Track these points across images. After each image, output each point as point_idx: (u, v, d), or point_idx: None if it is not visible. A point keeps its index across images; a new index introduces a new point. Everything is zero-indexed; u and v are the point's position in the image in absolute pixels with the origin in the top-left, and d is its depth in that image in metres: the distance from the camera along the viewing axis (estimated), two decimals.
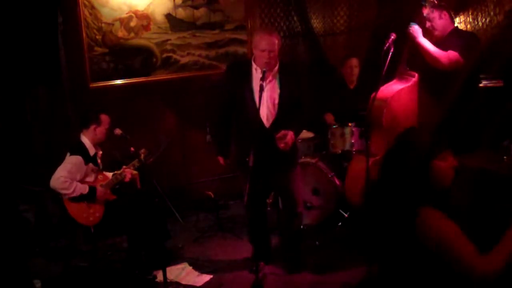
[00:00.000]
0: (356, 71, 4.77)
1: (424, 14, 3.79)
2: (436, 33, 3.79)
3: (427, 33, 3.85)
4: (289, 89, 3.48)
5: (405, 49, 3.95)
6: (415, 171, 2.04)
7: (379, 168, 2.17)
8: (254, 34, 3.69)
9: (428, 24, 3.80)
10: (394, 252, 2.13)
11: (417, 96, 3.97)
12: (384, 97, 3.88)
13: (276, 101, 3.48)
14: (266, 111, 3.47)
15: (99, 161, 3.93)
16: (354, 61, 4.77)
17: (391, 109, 3.88)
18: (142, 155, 3.95)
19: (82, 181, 3.75)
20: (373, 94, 3.73)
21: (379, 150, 3.88)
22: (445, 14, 3.78)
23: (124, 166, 3.97)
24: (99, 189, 3.79)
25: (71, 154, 3.73)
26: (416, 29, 3.72)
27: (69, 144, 3.89)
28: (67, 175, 3.63)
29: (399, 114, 3.91)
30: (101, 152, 3.97)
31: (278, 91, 3.48)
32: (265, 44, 3.36)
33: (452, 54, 3.65)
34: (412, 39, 3.74)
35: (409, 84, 3.94)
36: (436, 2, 3.76)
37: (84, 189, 3.70)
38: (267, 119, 3.49)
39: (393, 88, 3.96)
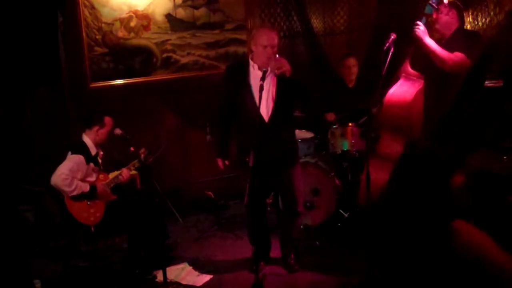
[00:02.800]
0: (354, 70, 4.76)
1: (434, 17, 3.76)
2: (437, 26, 3.75)
3: (431, 32, 3.83)
4: (287, 84, 3.49)
5: (409, 49, 3.94)
6: (440, 185, 2.00)
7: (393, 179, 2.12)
8: (253, 31, 3.69)
9: (434, 15, 3.76)
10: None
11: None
12: (403, 101, 3.86)
13: (274, 95, 3.49)
14: (265, 105, 3.48)
15: (100, 161, 3.93)
16: (352, 61, 4.75)
17: (413, 112, 3.88)
18: (142, 155, 3.96)
19: (83, 180, 3.75)
20: (381, 96, 3.72)
21: (398, 153, 3.88)
22: (453, 13, 3.73)
23: (123, 168, 3.98)
24: (100, 186, 3.80)
25: (72, 153, 3.74)
26: (422, 30, 3.69)
27: (71, 143, 3.90)
28: (68, 173, 3.63)
29: (419, 116, 3.91)
30: (102, 153, 3.97)
31: (275, 84, 3.49)
32: (267, 40, 3.38)
33: (458, 56, 3.63)
34: (418, 40, 3.71)
35: (421, 85, 3.93)
36: (446, 2, 3.73)
37: (85, 187, 3.72)
38: (266, 113, 3.50)
39: (408, 90, 3.94)
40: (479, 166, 3.43)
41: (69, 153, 3.76)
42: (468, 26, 4.07)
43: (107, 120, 3.89)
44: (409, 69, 3.98)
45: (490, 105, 3.76)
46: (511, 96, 3.68)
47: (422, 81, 3.92)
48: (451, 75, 3.71)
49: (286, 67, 3.39)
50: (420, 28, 3.67)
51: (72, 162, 3.69)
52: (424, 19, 3.75)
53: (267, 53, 3.39)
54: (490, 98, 3.75)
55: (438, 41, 3.80)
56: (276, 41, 3.41)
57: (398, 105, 3.88)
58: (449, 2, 3.73)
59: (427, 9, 3.72)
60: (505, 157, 3.42)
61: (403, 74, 4.00)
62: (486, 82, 3.72)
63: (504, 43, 3.76)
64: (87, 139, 3.84)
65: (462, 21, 3.81)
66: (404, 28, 3.83)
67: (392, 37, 3.69)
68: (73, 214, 3.72)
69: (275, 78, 3.49)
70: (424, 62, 3.83)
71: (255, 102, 3.39)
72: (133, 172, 4.07)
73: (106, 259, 4.15)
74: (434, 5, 3.68)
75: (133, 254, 3.93)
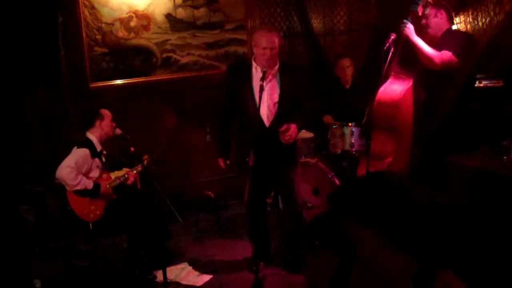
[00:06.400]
0: (349, 71, 4.76)
1: (420, 14, 3.78)
2: (430, 30, 3.77)
3: (421, 32, 3.85)
4: (289, 88, 3.49)
5: (398, 49, 3.95)
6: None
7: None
8: (254, 32, 3.69)
9: (423, 21, 3.79)
10: None
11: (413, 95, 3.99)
12: (393, 99, 3.88)
13: (276, 100, 3.48)
14: (266, 110, 3.48)
15: (103, 159, 3.95)
16: (346, 61, 4.75)
17: (402, 111, 3.89)
18: (145, 162, 4.00)
19: (87, 176, 3.77)
20: (374, 96, 3.73)
21: (390, 152, 3.91)
22: (441, 13, 3.76)
23: (127, 169, 3.99)
24: (104, 185, 3.81)
25: (78, 147, 3.76)
26: (409, 28, 3.70)
27: (76, 140, 3.91)
28: (74, 166, 3.65)
29: (409, 114, 3.93)
30: (105, 152, 3.99)
31: (278, 90, 3.48)
32: (266, 42, 3.36)
33: (445, 54, 3.64)
34: (406, 38, 3.72)
35: (410, 83, 3.94)
36: (431, 0, 3.75)
37: (89, 184, 3.73)
38: (267, 118, 3.49)
39: (397, 89, 3.95)
40: (479, 166, 3.44)
41: (75, 147, 3.78)
42: (468, 26, 4.08)
43: (104, 111, 3.92)
44: (399, 68, 3.99)
45: (490, 105, 3.76)
46: (511, 96, 3.68)
47: (411, 80, 3.93)
48: (443, 74, 3.71)
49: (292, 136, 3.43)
50: (408, 26, 3.68)
51: (77, 155, 3.71)
52: (409, 18, 3.76)
53: (265, 55, 3.38)
54: (490, 98, 3.76)
55: (429, 42, 3.81)
56: (275, 43, 3.38)
57: (388, 104, 3.89)
58: (436, 3, 3.74)
59: (413, 7, 3.74)
60: (505, 157, 3.43)
61: (393, 73, 4.01)
62: (486, 82, 3.73)
63: (504, 43, 3.77)
64: (92, 136, 3.87)
65: (451, 22, 3.82)
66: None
67: (392, 37, 3.70)
68: (74, 209, 3.74)
69: (277, 81, 3.48)
70: (414, 61, 3.85)
71: (256, 106, 3.39)
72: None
73: (106, 259, 4.15)
74: (418, 1, 3.70)
75: (133, 254, 3.93)
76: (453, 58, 3.61)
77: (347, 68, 4.74)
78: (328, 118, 4.75)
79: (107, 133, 3.91)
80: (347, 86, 4.80)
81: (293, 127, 3.41)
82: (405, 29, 3.68)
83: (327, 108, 4.81)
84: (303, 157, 4.44)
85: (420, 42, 3.68)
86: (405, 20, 3.70)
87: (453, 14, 3.89)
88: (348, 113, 4.51)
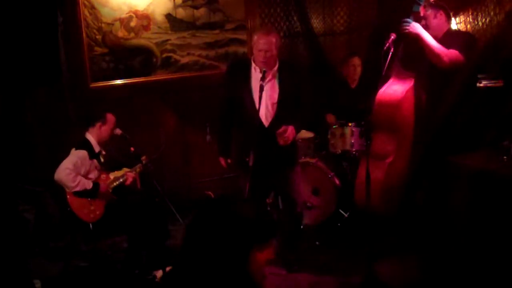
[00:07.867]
0: (358, 69, 4.77)
1: (422, 14, 3.78)
2: (430, 32, 3.77)
3: None
4: (289, 88, 3.48)
5: (399, 49, 3.95)
6: None
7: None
8: (254, 32, 3.69)
9: (422, 22, 3.78)
10: None
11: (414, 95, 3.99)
12: (394, 100, 3.88)
13: (275, 101, 3.47)
14: (265, 110, 3.47)
15: (102, 159, 3.96)
16: (356, 60, 4.76)
17: (403, 111, 3.90)
18: (144, 162, 4.00)
19: (85, 177, 3.77)
20: (375, 96, 3.73)
21: (391, 152, 3.92)
22: (441, 14, 3.76)
23: (127, 169, 3.99)
24: (103, 185, 3.82)
25: (76, 149, 3.77)
26: (416, 25, 3.68)
27: (75, 141, 3.92)
28: (72, 168, 3.65)
29: (410, 114, 3.93)
30: (104, 152, 3.99)
31: (277, 90, 3.47)
32: (262, 44, 3.35)
33: (453, 53, 3.63)
34: (414, 36, 3.70)
35: (411, 84, 3.94)
36: (432, 1, 3.75)
37: (88, 184, 3.73)
38: (266, 118, 3.48)
39: (398, 89, 3.95)
40: (479, 166, 3.44)
41: (73, 149, 3.79)
42: (468, 26, 4.07)
43: (109, 116, 3.92)
44: (400, 68, 3.99)
45: (490, 105, 3.76)
46: (511, 96, 3.68)
47: (412, 80, 3.93)
48: (444, 74, 3.71)
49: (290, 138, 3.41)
50: (412, 25, 3.66)
51: (76, 157, 3.72)
52: (411, 18, 3.76)
53: (260, 57, 3.38)
54: (490, 98, 3.76)
55: None
56: (272, 45, 3.35)
57: (389, 104, 3.90)
58: (434, 4, 3.73)
59: (415, 8, 3.74)
60: (505, 157, 3.43)
61: (394, 74, 4.01)
62: (486, 82, 3.73)
63: (504, 43, 3.76)
64: (90, 136, 3.87)
65: (450, 22, 3.82)
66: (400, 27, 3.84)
67: (392, 37, 3.69)
68: (73, 209, 3.74)
69: (276, 82, 3.48)
70: (416, 61, 3.84)
71: (254, 106, 3.39)
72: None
73: (106, 259, 4.15)
74: (420, 2, 3.69)
75: (133, 254, 3.93)
76: (460, 56, 3.60)
77: (357, 67, 4.76)
78: (330, 117, 4.75)
79: (104, 137, 3.91)
80: (353, 86, 4.80)
81: (290, 129, 3.40)
82: (412, 26, 3.66)
83: (330, 107, 4.81)
84: (303, 157, 4.44)
85: (429, 39, 3.66)
86: (407, 19, 3.69)
87: (453, 14, 3.89)
88: (351, 112, 4.51)
